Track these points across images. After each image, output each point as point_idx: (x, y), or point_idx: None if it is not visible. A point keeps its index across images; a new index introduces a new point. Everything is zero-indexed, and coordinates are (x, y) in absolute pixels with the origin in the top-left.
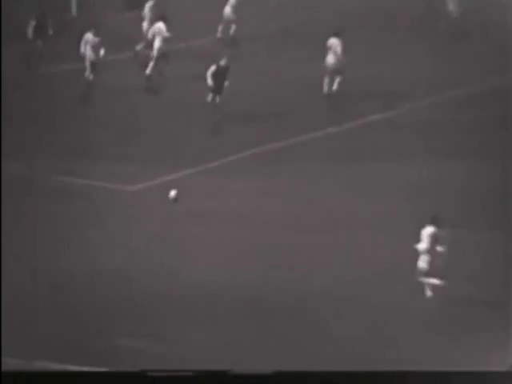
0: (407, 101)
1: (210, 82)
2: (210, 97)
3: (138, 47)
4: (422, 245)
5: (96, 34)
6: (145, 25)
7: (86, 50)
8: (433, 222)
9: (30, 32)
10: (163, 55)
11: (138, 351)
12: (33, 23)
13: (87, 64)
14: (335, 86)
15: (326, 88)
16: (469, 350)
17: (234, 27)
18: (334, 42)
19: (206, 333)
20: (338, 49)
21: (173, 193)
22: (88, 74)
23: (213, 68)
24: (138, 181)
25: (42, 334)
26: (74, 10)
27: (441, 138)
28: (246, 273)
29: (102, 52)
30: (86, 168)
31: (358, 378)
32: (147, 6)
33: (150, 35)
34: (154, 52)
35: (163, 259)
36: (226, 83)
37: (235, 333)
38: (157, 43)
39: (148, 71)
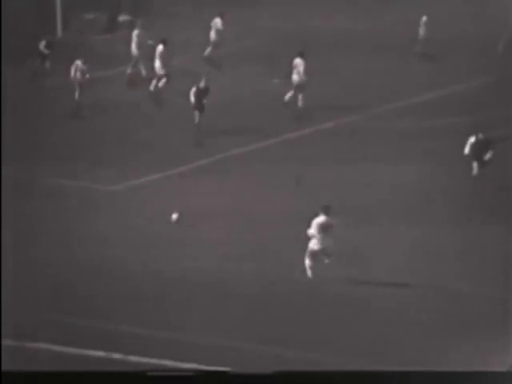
0: (359, 112)
1: (192, 99)
2: (195, 114)
3: (143, 71)
4: (312, 231)
5: (84, 63)
6: (133, 47)
7: (76, 74)
8: (324, 212)
9: (43, 47)
10: (164, 75)
11: (128, 335)
12: (43, 43)
13: (76, 85)
14: (300, 103)
15: (286, 98)
16: (468, 348)
17: (211, 49)
18: (298, 61)
19: (198, 327)
20: (301, 68)
21: (174, 216)
22: (77, 94)
23: (194, 89)
24: (123, 182)
25: (40, 319)
26: (59, 32)
27: (391, 143)
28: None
29: (87, 76)
30: (79, 171)
31: (358, 377)
32: (134, 33)
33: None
34: (156, 71)
35: (147, 250)
36: (205, 102)
37: (232, 330)
38: (156, 64)
39: (151, 88)
